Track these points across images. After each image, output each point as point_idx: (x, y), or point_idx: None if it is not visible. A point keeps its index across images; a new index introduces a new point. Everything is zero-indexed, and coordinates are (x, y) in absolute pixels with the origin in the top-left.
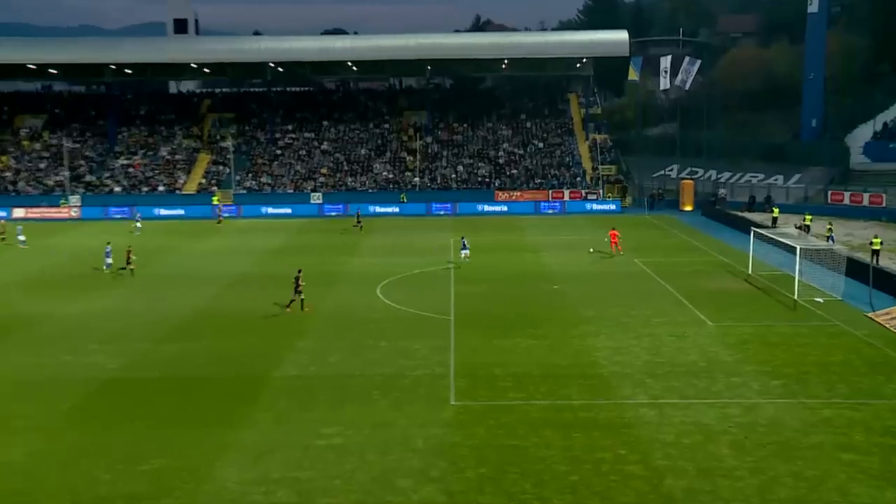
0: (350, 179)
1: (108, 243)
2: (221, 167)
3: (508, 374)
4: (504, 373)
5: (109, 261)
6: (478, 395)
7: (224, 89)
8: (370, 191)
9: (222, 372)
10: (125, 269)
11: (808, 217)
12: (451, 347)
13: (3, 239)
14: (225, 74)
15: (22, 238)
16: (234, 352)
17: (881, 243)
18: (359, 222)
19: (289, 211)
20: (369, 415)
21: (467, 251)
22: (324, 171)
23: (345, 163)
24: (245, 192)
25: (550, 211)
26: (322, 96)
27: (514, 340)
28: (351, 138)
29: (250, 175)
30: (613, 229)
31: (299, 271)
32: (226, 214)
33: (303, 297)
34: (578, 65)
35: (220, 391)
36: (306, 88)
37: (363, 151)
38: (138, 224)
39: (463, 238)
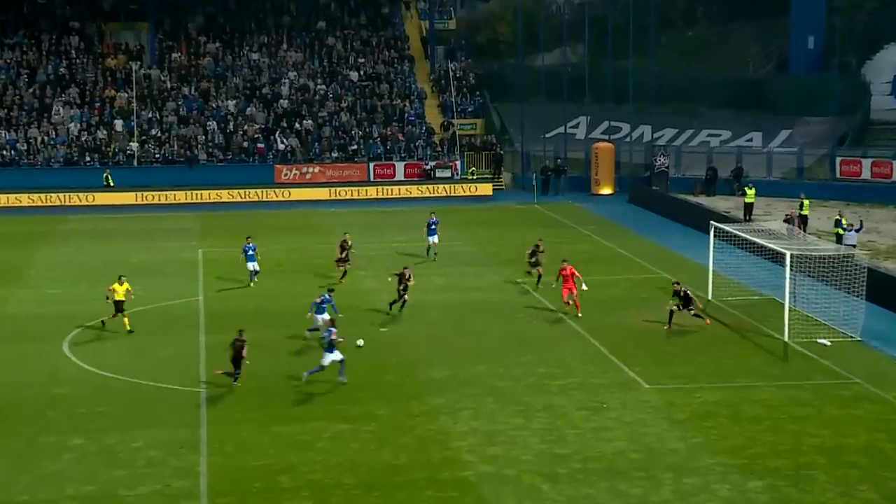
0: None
1: (249, 237)
2: None
3: (304, 484)
4: (296, 483)
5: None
6: None
7: None
8: (53, 165)
9: None
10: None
11: (806, 202)
12: (200, 442)
13: None
14: None
15: None
16: None
17: None
18: (345, 257)
19: None
20: None
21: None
22: None
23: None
24: None
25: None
26: None
27: (314, 425)
28: (8, 62)
29: None
30: (566, 263)
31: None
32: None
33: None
34: None
35: None
36: None
37: (33, 90)
38: None
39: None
